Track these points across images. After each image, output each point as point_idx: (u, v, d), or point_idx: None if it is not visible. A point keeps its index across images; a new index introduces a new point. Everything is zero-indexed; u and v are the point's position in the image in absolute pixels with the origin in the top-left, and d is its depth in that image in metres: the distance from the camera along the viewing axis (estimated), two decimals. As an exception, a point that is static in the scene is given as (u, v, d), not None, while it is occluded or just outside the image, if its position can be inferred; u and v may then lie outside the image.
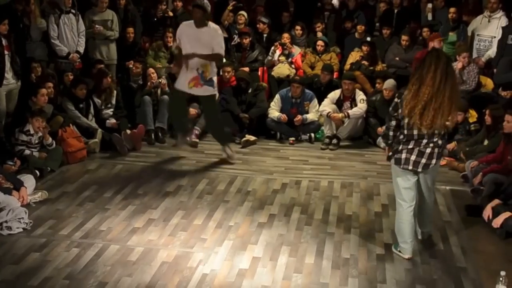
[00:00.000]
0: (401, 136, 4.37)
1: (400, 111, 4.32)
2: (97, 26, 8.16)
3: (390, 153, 4.48)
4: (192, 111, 7.58)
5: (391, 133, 4.49)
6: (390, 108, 4.46)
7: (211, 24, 6.28)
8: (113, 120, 7.23)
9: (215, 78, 6.44)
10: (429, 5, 9.41)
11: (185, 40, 6.20)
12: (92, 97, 7.25)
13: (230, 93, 7.79)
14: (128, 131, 7.16)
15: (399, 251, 4.55)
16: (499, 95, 7.10)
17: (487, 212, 4.91)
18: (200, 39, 6.12)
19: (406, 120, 4.28)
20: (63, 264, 4.37)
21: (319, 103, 7.61)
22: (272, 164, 6.72)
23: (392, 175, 4.51)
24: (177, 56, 6.59)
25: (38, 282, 4.12)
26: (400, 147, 4.37)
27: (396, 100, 4.41)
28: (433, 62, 4.15)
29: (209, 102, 6.50)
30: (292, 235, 4.92)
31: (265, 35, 9.30)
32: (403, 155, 4.35)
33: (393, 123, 4.43)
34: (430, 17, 9.35)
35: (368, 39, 9.01)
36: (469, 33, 8.34)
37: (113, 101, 7.40)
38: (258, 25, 9.34)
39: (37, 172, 6.01)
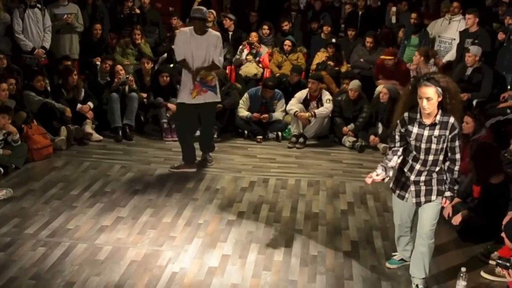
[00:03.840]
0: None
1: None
2: (68, 14, 8.05)
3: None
4: (174, 106, 7.54)
5: None
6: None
7: (211, 31, 6.14)
8: (84, 106, 7.22)
9: (217, 83, 6.29)
10: (393, 8, 9.67)
11: (184, 48, 6.03)
12: (61, 91, 7.23)
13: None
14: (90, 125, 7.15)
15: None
16: None
17: (447, 210, 5.07)
18: (199, 46, 5.98)
19: None
20: (29, 264, 4.30)
21: (287, 103, 7.71)
22: (240, 162, 6.77)
23: (439, 209, 4.09)
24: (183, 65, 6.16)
25: (3, 283, 4.05)
26: None
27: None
28: None
29: (210, 109, 6.29)
30: (261, 232, 4.99)
31: (230, 33, 9.32)
32: None
33: None
34: (394, 20, 9.60)
35: (333, 40, 9.17)
36: (431, 34, 8.60)
37: (81, 98, 7.35)
38: (224, 21, 9.35)
39: (1, 169, 5.91)
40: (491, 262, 4.57)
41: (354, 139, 7.49)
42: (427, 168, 3.96)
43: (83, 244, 4.62)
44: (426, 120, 3.86)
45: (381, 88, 7.62)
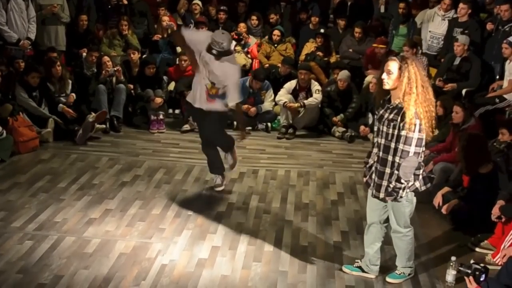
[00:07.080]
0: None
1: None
2: (55, 4, 7.96)
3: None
4: (158, 99, 7.50)
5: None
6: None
7: (229, 60, 5.14)
8: (66, 107, 7.03)
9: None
10: (382, -2, 9.62)
11: (202, 56, 5.15)
12: (47, 84, 7.07)
13: (187, 83, 7.75)
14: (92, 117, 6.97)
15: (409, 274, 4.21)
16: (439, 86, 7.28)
17: (438, 199, 5.08)
18: (215, 69, 5.13)
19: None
20: (16, 258, 4.25)
21: (276, 94, 7.67)
22: (229, 154, 6.74)
23: (406, 207, 3.91)
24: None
25: (-10, 276, 4.01)
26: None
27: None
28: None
29: (215, 119, 5.38)
30: (250, 223, 4.97)
31: (221, 26, 9.27)
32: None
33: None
34: (382, 9, 9.58)
35: (322, 30, 9.13)
36: (419, 24, 8.58)
37: (68, 91, 7.21)
38: (218, 15, 9.31)
39: (-14, 162, 5.84)
40: (478, 249, 4.62)
41: (344, 129, 7.48)
42: (380, 154, 3.80)
43: (71, 237, 4.57)
44: (392, 102, 3.75)
45: (371, 78, 7.61)
